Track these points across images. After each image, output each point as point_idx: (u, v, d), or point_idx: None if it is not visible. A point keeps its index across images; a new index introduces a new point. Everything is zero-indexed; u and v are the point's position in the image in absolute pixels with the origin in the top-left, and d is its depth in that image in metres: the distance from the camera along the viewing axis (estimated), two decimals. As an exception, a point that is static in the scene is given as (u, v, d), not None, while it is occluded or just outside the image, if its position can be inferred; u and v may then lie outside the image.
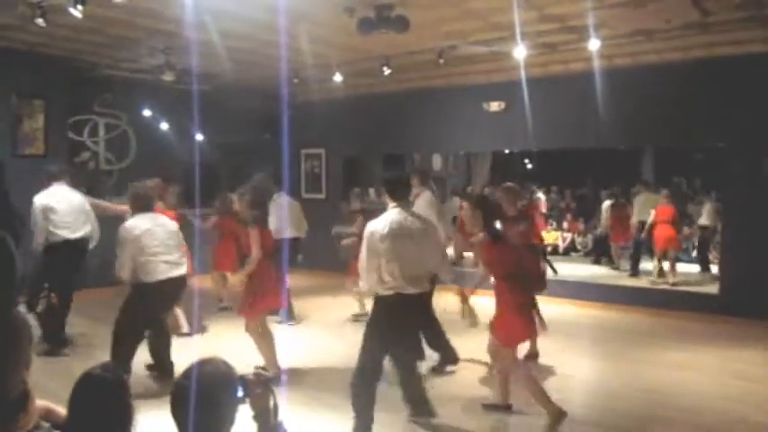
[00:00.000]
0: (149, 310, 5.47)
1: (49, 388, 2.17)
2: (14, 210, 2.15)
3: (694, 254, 11.42)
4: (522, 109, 9.20)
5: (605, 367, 6.36)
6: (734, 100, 7.96)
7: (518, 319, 4.68)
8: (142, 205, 5.47)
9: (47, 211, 6.36)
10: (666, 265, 9.89)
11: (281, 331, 7.60)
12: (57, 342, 6.46)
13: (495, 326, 4.73)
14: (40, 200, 6.42)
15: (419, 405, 4.75)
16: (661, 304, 8.68)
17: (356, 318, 8.05)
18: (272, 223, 7.94)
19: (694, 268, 10.82)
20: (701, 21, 6.75)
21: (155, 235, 5.33)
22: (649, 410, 5.10)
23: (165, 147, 10.48)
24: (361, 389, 4.40)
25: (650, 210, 10.19)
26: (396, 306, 4.31)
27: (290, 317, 7.97)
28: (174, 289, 5.52)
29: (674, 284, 9.47)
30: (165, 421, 2.11)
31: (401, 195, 4.51)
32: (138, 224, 5.33)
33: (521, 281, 4.68)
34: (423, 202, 6.33)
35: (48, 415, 2.26)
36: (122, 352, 5.32)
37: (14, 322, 1.64)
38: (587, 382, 6.02)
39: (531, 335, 5.16)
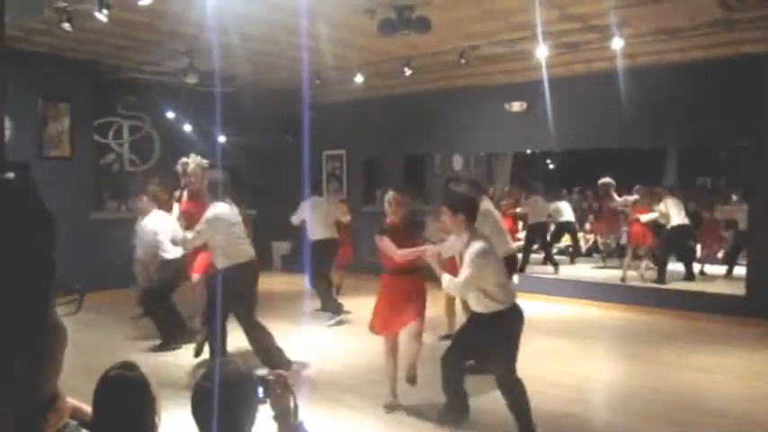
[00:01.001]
0: (252, 289, 5.80)
1: (73, 385, 2.20)
2: (50, 213, 2.18)
3: (719, 255, 11.24)
4: (544, 109, 9.14)
5: (628, 369, 6.30)
6: (759, 98, 7.83)
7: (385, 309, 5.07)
8: (218, 193, 5.71)
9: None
10: (643, 264, 9.93)
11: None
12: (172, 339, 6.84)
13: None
14: None
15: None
16: (686, 306, 8.56)
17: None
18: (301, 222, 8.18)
19: (719, 270, 10.66)
20: (725, 18, 6.66)
21: (239, 221, 5.73)
22: (672, 413, 5.03)
23: (187, 148, 10.55)
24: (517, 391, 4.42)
25: (682, 214, 9.91)
26: (516, 316, 4.44)
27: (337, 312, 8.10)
28: (257, 270, 5.86)
29: (646, 281, 9.63)
30: (186, 421, 2.13)
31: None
32: (227, 212, 5.64)
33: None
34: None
35: (74, 413, 2.29)
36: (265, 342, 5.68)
37: (52, 325, 1.67)
38: (610, 383, 5.96)
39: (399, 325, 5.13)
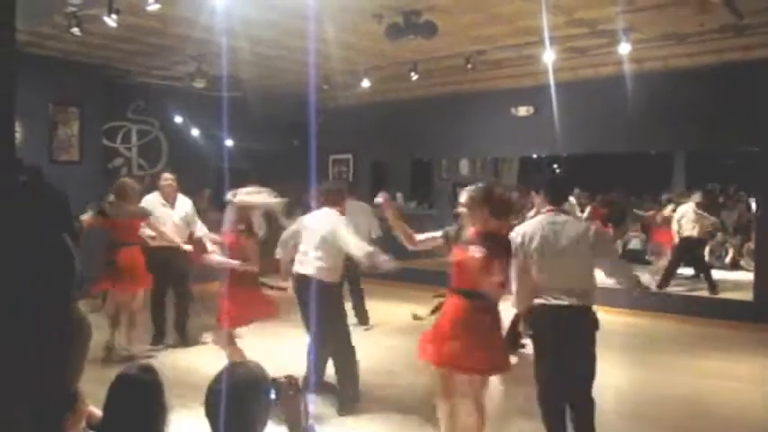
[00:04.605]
0: None
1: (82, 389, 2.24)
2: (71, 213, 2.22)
3: (726, 260, 11.21)
4: (551, 114, 9.12)
5: (635, 375, 6.27)
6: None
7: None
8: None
9: None
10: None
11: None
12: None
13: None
14: None
15: None
16: (693, 311, 8.53)
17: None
18: None
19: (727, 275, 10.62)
20: (734, 23, 6.65)
21: None
22: (681, 419, 5.01)
23: (195, 152, 10.63)
24: None
25: (693, 223, 9.63)
26: None
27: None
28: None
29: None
30: (198, 422, 2.15)
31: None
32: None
33: None
34: None
35: (89, 419, 2.31)
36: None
37: (74, 318, 1.69)
38: (617, 388, 5.92)
39: None
